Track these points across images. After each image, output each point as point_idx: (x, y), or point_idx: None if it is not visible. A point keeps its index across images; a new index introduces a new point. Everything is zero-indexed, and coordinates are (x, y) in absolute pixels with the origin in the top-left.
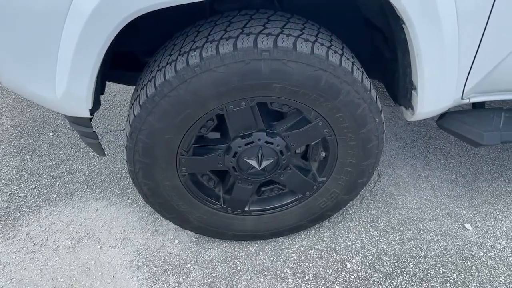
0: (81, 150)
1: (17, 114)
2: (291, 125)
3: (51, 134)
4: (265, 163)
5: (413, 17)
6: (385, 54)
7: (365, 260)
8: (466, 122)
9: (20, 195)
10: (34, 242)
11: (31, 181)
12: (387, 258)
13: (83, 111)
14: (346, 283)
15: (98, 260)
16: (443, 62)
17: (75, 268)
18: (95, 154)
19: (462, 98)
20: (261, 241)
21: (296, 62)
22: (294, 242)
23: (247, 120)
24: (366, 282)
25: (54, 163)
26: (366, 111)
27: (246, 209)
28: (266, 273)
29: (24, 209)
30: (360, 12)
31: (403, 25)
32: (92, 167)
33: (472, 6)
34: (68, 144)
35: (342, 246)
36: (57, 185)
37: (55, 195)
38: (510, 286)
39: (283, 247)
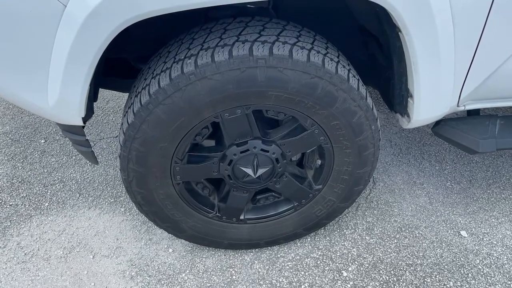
0: (73, 157)
1: (8, 121)
2: (286, 132)
3: (42, 141)
4: (260, 171)
5: (409, 24)
6: (381, 61)
7: (361, 268)
8: (462, 129)
9: (10, 203)
10: (25, 252)
11: (22, 189)
12: (383, 266)
13: (76, 119)
14: None
15: (91, 270)
16: (439, 70)
17: (67, 278)
18: (88, 162)
19: (457, 106)
20: (257, 249)
21: (292, 69)
22: (289, 251)
23: (243, 128)
24: None
25: (45, 170)
26: (362, 118)
27: (241, 217)
28: (261, 282)
29: (15, 218)
30: (355, 20)
31: (399, 33)
32: (84, 174)
33: (468, 14)
34: (60, 152)
35: (338, 254)
36: (48, 193)
37: (47, 204)
38: None
39: (279, 255)
